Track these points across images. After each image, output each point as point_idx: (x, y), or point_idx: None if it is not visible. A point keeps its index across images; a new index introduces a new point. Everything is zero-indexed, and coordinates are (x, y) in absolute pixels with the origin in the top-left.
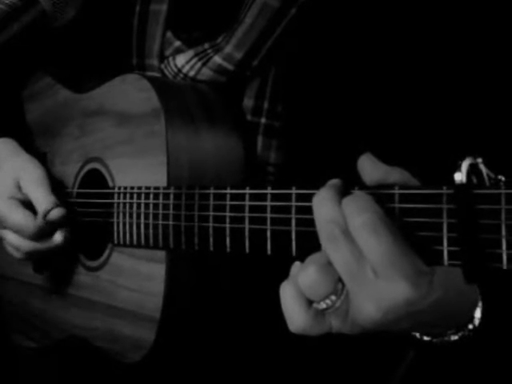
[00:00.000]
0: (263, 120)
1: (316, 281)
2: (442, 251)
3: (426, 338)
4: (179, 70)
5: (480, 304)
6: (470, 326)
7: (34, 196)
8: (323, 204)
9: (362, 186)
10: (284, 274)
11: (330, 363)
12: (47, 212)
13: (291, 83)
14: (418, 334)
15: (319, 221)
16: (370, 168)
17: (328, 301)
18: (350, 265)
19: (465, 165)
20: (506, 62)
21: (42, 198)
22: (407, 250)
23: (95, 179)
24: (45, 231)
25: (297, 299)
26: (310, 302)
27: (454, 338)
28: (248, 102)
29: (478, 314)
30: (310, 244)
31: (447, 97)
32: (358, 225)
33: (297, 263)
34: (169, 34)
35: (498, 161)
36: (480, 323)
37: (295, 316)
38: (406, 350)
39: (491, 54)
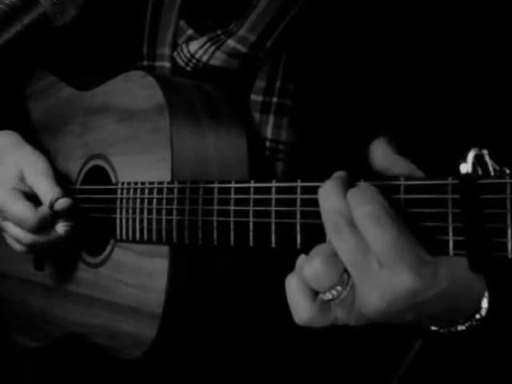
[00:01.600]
0: (275, 99)
1: (321, 272)
2: (447, 241)
3: (433, 328)
4: (192, 56)
5: (486, 294)
6: (478, 316)
7: (39, 187)
8: (329, 196)
9: (368, 178)
10: (288, 269)
11: (334, 358)
12: (53, 202)
13: (303, 63)
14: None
15: (325, 212)
16: (381, 154)
17: (334, 291)
18: (355, 255)
19: (470, 156)
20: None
21: (48, 189)
22: (411, 241)
23: (98, 176)
24: (46, 224)
25: (302, 291)
26: (315, 294)
27: (462, 327)
28: (260, 83)
29: (484, 304)
30: (314, 236)
31: (454, 90)
32: (363, 216)
33: (302, 256)
34: (182, 23)
35: (503, 154)
36: (487, 313)
37: (300, 308)
38: (410, 344)
39: (497, 46)
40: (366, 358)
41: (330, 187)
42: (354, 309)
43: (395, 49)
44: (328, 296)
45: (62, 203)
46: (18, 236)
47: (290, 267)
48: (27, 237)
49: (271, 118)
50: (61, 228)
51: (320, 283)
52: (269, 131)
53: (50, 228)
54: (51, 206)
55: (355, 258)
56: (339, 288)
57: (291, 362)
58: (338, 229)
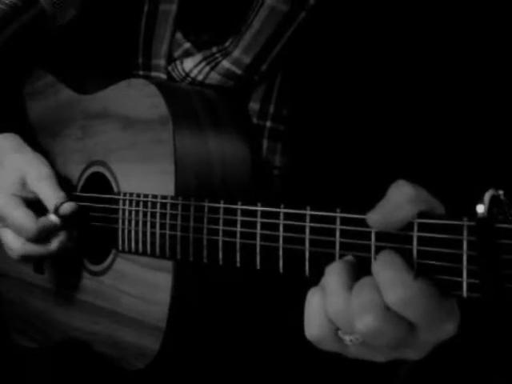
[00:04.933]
0: (268, 123)
1: (346, 314)
2: (461, 283)
3: None
4: (187, 75)
5: None
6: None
7: (42, 191)
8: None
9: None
10: (295, 289)
11: (335, 362)
12: (59, 206)
13: (297, 87)
14: None
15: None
16: (380, 219)
17: (353, 337)
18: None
19: (487, 197)
20: None
21: (51, 193)
22: (444, 301)
23: (99, 182)
24: (45, 234)
25: (322, 311)
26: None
27: None
28: (254, 106)
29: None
30: (323, 265)
31: (455, 115)
32: (394, 300)
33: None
34: (179, 35)
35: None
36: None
37: (315, 326)
38: None
39: (504, 70)
40: (364, 364)
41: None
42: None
43: (394, 70)
44: (346, 338)
45: (68, 207)
46: (11, 245)
47: (298, 287)
48: (19, 248)
49: (265, 143)
50: (55, 243)
51: (342, 324)
52: (263, 155)
53: (46, 241)
54: (56, 210)
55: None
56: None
57: (292, 363)
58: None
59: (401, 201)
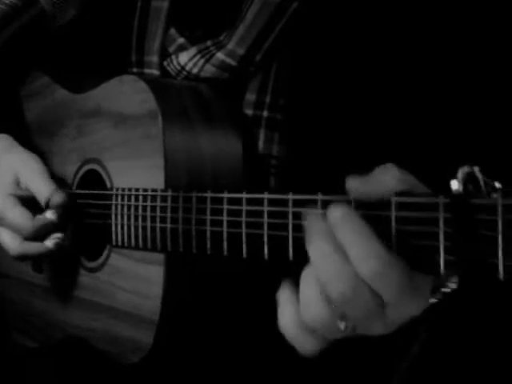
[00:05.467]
0: (265, 113)
1: (323, 315)
2: (438, 260)
3: None
4: (182, 68)
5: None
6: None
7: (34, 186)
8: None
9: (358, 204)
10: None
11: (331, 360)
12: (49, 199)
13: (293, 76)
14: None
15: (316, 256)
16: (359, 187)
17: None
18: (363, 314)
19: (461, 173)
20: (506, 66)
21: (43, 187)
22: (414, 277)
23: (93, 180)
24: (42, 232)
25: (299, 326)
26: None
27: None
28: (250, 97)
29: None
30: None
31: (446, 100)
32: (367, 273)
33: (286, 288)
34: (172, 31)
35: (494, 167)
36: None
37: (307, 345)
38: (409, 346)
39: (491, 60)
40: (366, 359)
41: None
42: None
43: (388, 58)
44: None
45: (58, 198)
46: (9, 245)
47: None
48: (17, 247)
49: (262, 133)
50: (51, 242)
51: (323, 329)
52: (260, 145)
53: (43, 239)
54: (47, 203)
55: (363, 315)
56: (342, 326)
57: (286, 366)
58: (345, 294)
59: (385, 177)
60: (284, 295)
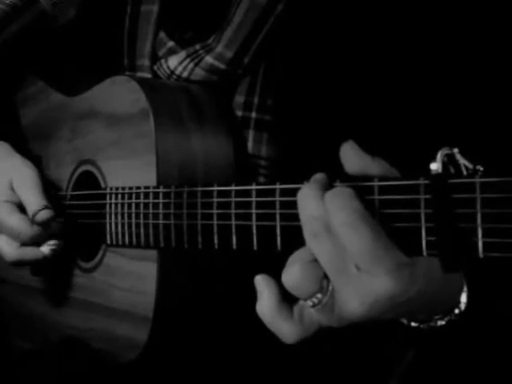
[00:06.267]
0: (254, 114)
1: (301, 279)
2: (420, 242)
3: (413, 324)
4: (172, 72)
5: (465, 289)
6: (456, 311)
7: (25, 198)
8: (306, 200)
9: (344, 179)
10: (280, 271)
11: (329, 361)
12: (35, 214)
13: (280, 77)
14: (405, 321)
15: (303, 217)
16: (352, 157)
17: (314, 299)
18: (334, 261)
19: (440, 155)
20: (485, 53)
21: (32, 200)
22: (388, 245)
23: (88, 181)
24: (39, 238)
25: (278, 314)
26: (290, 311)
27: (441, 323)
28: (239, 98)
29: (463, 298)
30: (294, 239)
31: (427, 87)
32: (339, 222)
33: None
34: (162, 35)
35: (478, 151)
36: (466, 307)
37: (284, 329)
38: (406, 348)
39: (470, 47)
40: (365, 359)
41: (308, 191)
42: (334, 312)
43: (369, 56)
44: (309, 303)
45: (43, 215)
46: (5, 251)
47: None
48: (13, 253)
49: (251, 134)
50: (47, 248)
51: (300, 291)
52: (249, 146)
53: (40, 245)
54: (32, 218)
55: (334, 264)
56: (319, 295)
57: (289, 362)
58: (316, 234)
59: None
60: (261, 279)
